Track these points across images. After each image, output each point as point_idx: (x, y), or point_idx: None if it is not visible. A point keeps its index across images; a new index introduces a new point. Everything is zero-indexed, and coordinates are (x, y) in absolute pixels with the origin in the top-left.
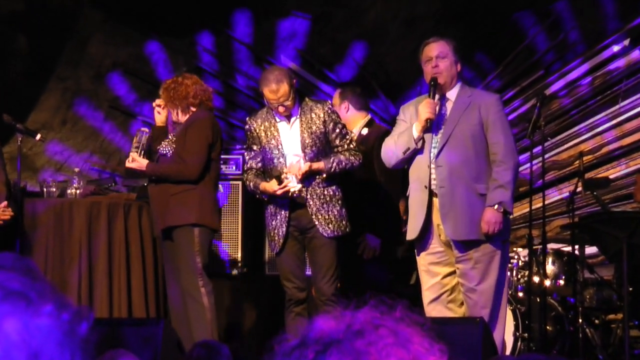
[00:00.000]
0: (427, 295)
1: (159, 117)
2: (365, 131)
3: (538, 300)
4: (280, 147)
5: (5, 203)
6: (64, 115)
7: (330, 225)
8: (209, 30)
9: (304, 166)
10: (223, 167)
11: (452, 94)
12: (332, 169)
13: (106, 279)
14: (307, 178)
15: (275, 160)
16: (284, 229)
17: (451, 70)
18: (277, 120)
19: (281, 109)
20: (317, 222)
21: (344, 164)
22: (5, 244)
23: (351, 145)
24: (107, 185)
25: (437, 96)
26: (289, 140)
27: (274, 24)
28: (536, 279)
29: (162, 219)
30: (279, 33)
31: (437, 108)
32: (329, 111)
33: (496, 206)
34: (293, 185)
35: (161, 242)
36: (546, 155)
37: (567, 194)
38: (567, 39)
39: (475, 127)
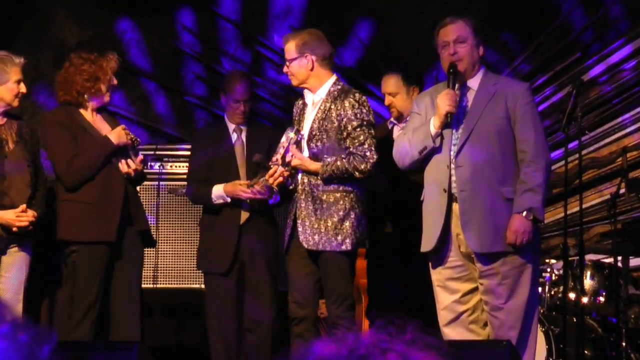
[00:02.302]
0: (443, 316)
1: None
2: None
3: (574, 320)
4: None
5: (23, 207)
6: (20, 104)
7: (316, 237)
8: (190, 6)
9: (294, 160)
10: None
11: (474, 83)
12: (327, 174)
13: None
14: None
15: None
16: (289, 229)
17: (472, 56)
18: (307, 102)
19: (285, 69)
20: (300, 229)
21: (342, 169)
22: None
23: (359, 149)
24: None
25: (457, 85)
26: (307, 127)
27: None
28: (572, 295)
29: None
30: (271, 9)
31: (458, 100)
32: (350, 104)
33: (525, 213)
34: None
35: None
36: (584, 152)
37: (609, 196)
38: (608, 15)
39: (502, 121)
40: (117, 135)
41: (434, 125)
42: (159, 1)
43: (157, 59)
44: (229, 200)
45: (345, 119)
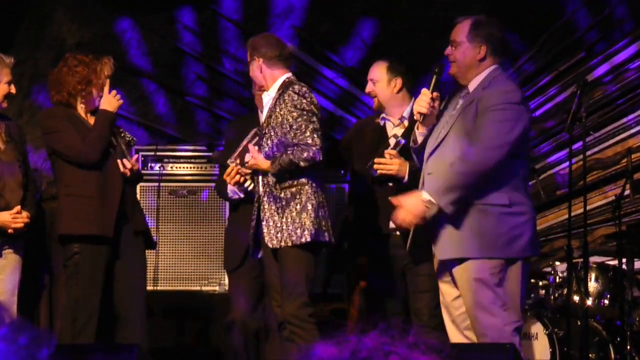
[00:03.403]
0: (443, 316)
1: None
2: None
3: (578, 323)
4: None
5: (17, 208)
6: (19, 104)
7: (279, 235)
8: (190, 5)
9: (250, 160)
10: None
11: (471, 87)
12: (276, 169)
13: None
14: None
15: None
16: (253, 231)
17: (467, 58)
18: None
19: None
20: (265, 230)
21: (287, 162)
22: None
23: (301, 138)
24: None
25: (432, 86)
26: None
27: None
28: (576, 298)
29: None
30: (272, 8)
31: (439, 103)
32: (289, 97)
33: (424, 196)
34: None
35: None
36: (588, 152)
37: (613, 197)
38: (612, 14)
39: (470, 124)
40: (107, 102)
41: (417, 127)
42: (159, 0)
43: (157, 58)
44: (242, 195)
45: (286, 112)
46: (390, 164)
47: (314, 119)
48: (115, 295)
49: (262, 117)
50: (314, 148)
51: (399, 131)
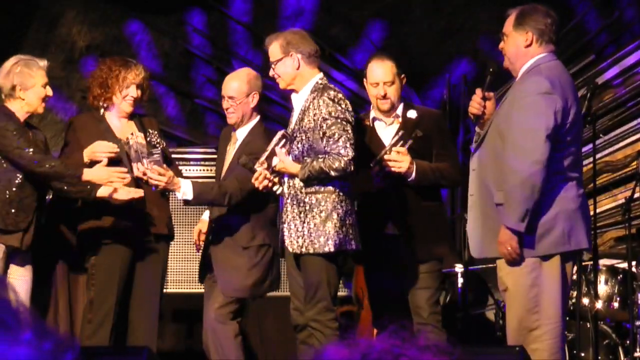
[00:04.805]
0: None
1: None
2: (413, 113)
3: (588, 325)
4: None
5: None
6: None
7: (300, 240)
8: (200, 7)
9: (279, 163)
10: None
11: (518, 77)
12: (305, 175)
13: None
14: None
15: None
16: (281, 234)
17: (514, 48)
18: (293, 103)
19: (271, 72)
20: (286, 232)
21: (318, 170)
22: None
23: (334, 147)
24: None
25: (490, 87)
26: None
27: (276, 0)
28: (586, 300)
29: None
30: (282, 10)
31: (484, 101)
32: (324, 103)
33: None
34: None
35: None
36: (598, 155)
37: (623, 200)
38: (622, 17)
39: (502, 119)
40: (87, 153)
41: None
42: (168, 2)
43: (167, 61)
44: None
45: (320, 118)
46: (400, 161)
47: (348, 127)
48: (131, 298)
49: (293, 118)
50: (346, 158)
51: (393, 130)
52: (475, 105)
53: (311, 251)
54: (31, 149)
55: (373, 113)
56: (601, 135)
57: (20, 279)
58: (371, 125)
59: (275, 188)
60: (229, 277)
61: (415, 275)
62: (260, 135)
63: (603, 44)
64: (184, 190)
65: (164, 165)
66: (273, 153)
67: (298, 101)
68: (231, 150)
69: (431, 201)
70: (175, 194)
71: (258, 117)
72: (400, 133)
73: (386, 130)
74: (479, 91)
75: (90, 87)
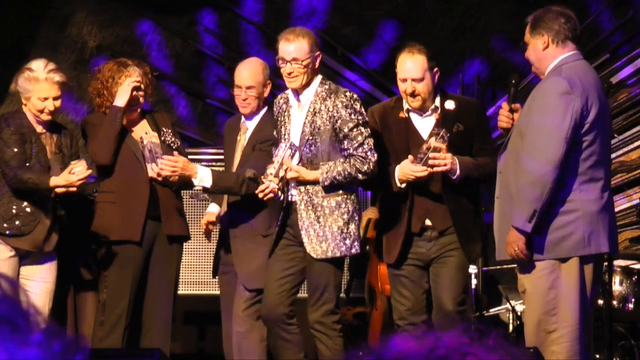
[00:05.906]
0: None
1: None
2: (451, 104)
3: (603, 326)
4: (287, 137)
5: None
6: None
7: (323, 245)
8: (211, 7)
9: (290, 172)
10: None
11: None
12: (329, 180)
13: (94, 299)
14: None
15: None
16: (280, 233)
17: (535, 53)
18: (291, 103)
19: (288, 68)
20: (306, 239)
21: (344, 174)
22: None
23: (359, 150)
24: (93, 191)
25: (514, 99)
26: (295, 130)
27: (288, 0)
28: (600, 301)
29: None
30: (294, 10)
31: (511, 116)
32: (342, 105)
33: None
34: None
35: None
36: (612, 155)
37: (638, 200)
38: (636, 17)
39: (522, 120)
40: (118, 95)
41: None
42: (180, 2)
43: (178, 61)
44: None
45: (339, 121)
46: (444, 158)
47: (368, 129)
48: (145, 300)
49: (293, 118)
50: (372, 160)
51: (430, 122)
52: (503, 119)
53: (338, 254)
54: (14, 161)
55: (406, 104)
56: (615, 135)
57: (37, 280)
58: (406, 116)
59: (278, 194)
60: (253, 268)
61: (442, 269)
62: (271, 123)
63: (617, 43)
64: (202, 176)
65: (175, 153)
66: (279, 164)
67: (302, 102)
68: (242, 140)
69: (470, 199)
70: (188, 193)
71: (266, 106)
72: (438, 129)
73: (423, 122)
74: (505, 105)
75: (92, 99)
